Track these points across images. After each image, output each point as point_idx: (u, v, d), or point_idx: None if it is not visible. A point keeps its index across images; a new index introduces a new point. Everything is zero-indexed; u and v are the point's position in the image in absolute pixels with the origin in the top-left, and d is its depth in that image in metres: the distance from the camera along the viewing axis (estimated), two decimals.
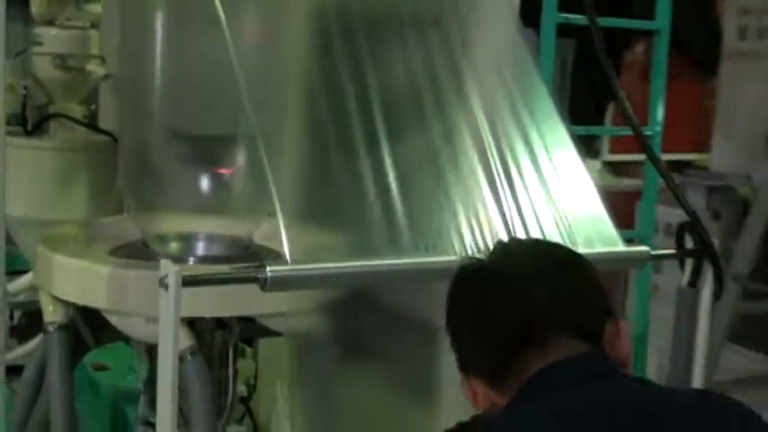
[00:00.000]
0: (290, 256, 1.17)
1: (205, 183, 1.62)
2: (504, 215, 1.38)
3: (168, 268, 1.04)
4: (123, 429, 2.06)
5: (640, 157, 2.41)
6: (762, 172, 2.99)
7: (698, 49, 2.94)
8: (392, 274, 1.33)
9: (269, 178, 1.23)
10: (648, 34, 2.34)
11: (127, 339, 1.66)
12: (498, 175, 1.43)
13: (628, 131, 1.70)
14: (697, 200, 2.92)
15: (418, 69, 1.48)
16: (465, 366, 1.08)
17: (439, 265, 1.29)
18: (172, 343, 1.05)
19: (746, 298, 2.89)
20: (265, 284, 1.13)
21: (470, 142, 1.46)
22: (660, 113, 2.18)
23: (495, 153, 1.45)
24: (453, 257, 1.28)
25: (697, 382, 1.49)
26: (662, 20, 2.19)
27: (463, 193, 1.39)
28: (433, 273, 1.31)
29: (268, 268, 1.14)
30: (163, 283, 1.04)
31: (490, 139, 1.46)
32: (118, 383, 2.13)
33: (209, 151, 1.64)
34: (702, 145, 3.29)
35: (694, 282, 1.46)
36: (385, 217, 1.30)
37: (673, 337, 1.53)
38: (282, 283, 1.17)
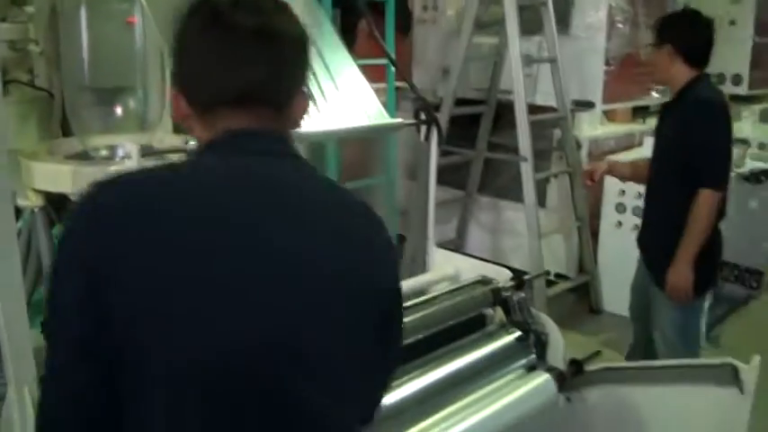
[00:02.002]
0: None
1: (116, 113, 2.60)
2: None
3: (131, 146, 1.95)
4: None
5: None
6: (442, 87, 4.73)
7: (401, 19, 4.27)
8: None
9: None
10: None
11: None
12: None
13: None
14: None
15: None
16: (173, 80, 1.11)
17: None
18: None
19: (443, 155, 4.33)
20: None
21: None
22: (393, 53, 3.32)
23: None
24: None
25: (431, 201, 2.54)
26: None
27: None
28: None
29: None
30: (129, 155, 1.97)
31: None
32: None
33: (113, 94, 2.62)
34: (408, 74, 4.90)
35: (427, 138, 2.49)
36: None
37: (420, 175, 2.56)
38: None
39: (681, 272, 2.66)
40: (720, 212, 2.77)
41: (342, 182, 3.56)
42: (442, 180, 4.87)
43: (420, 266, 2.63)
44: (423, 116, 2.48)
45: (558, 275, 4.70)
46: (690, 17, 2.84)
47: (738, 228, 4.78)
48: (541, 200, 4.56)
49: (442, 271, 2.49)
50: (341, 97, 2.36)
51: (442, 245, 3.74)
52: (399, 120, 2.50)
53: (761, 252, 4.91)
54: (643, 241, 3.04)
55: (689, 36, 2.74)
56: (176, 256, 0.95)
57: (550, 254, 4.65)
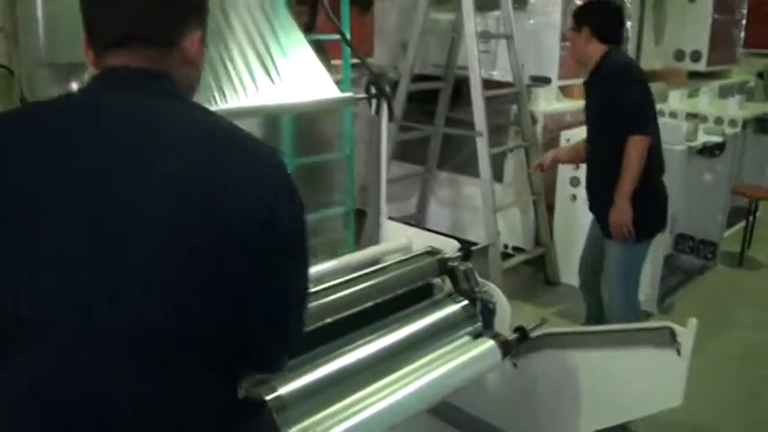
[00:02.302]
0: None
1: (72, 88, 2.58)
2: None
3: None
4: None
5: None
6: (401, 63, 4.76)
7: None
8: None
9: None
10: None
11: None
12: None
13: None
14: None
15: None
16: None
17: None
18: None
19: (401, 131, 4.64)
20: None
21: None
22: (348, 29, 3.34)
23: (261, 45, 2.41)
24: None
25: (383, 175, 2.56)
26: None
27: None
28: None
29: None
30: None
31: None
32: None
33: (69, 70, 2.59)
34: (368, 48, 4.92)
35: (377, 112, 2.52)
36: None
37: (372, 149, 2.59)
38: None
39: (620, 209, 3.06)
40: (659, 167, 3.24)
41: (299, 156, 3.59)
42: (402, 156, 4.98)
43: (375, 239, 2.67)
44: (373, 90, 2.51)
45: (516, 248, 4.77)
46: (603, 3, 3.28)
47: (693, 200, 4.91)
48: (498, 174, 4.63)
49: (394, 243, 2.53)
50: (292, 73, 2.38)
51: (403, 219, 3.80)
52: (348, 94, 2.52)
53: (715, 224, 5.04)
54: (591, 202, 3.37)
55: (602, 19, 3.17)
56: (7, 195, 0.98)
57: (507, 227, 4.72)
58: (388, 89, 2.51)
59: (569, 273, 4.40)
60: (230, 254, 1.03)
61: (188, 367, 1.04)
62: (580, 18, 3.22)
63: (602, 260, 3.29)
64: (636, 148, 3.01)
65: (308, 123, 4.03)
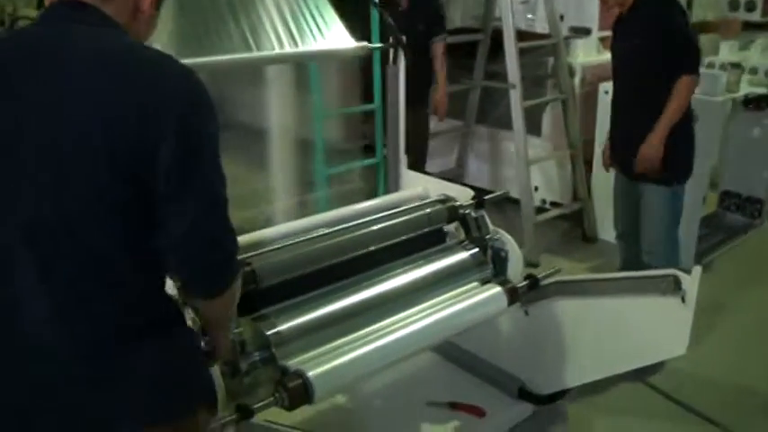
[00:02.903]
0: None
1: None
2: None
3: None
4: None
5: None
6: None
7: None
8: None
9: None
10: None
11: None
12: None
13: None
14: None
15: None
16: None
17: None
18: None
19: None
20: None
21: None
22: None
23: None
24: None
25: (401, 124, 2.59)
26: None
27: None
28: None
29: None
30: None
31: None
32: None
33: None
34: None
35: (395, 61, 2.53)
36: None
37: (389, 98, 2.61)
38: None
39: (653, 145, 2.96)
40: (694, 114, 3.13)
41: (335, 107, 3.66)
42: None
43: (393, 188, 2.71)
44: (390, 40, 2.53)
45: (553, 203, 4.74)
46: None
47: (740, 156, 4.77)
48: (536, 128, 4.58)
49: (409, 191, 2.56)
50: (314, 27, 2.44)
51: (443, 175, 3.81)
52: (363, 43, 2.54)
53: (762, 181, 4.89)
54: (620, 148, 3.23)
55: None
56: None
57: (545, 182, 4.69)
58: (403, 38, 2.53)
59: (607, 229, 4.35)
60: (136, 161, 1.11)
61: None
62: None
63: (638, 215, 3.21)
64: (687, 89, 2.91)
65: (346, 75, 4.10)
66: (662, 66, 2.94)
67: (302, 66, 3.53)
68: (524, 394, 2.48)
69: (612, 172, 3.42)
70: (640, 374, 2.83)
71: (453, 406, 2.46)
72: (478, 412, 2.44)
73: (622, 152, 3.21)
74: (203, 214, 1.16)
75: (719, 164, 4.79)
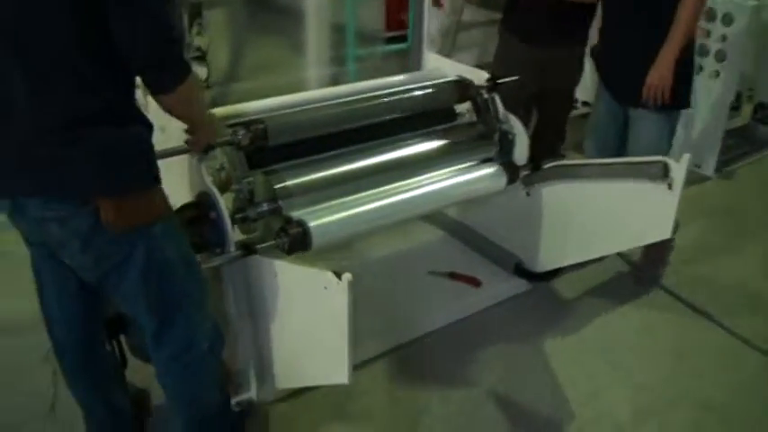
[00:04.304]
0: None
1: None
2: None
3: None
4: None
5: None
6: None
7: None
8: None
9: None
10: None
11: None
12: None
13: None
14: None
15: None
16: None
17: None
18: None
19: None
20: None
21: None
22: None
23: None
24: None
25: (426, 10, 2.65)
26: None
27: None
28: None
29: None
30: None
31: None
32: None
33: None
34: None
35: None
36: None
37: None
38: None
39: (663, 73, 2.60)
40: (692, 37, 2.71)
41: None
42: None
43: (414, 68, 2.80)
44: None
45: (585, 103, 4.75)
46: None
47: None
48: None
49: (427, 71, 2.65)
50: None
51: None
52: None
53: None
54: (614, 67, 2.81)
55: None
56: None
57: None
58: None
59: None
60: None
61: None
62: None
63: (622, 140, 2.80)
64: (695, 6, 2.55)
65: None
66: None
67: None
68: (520, 271, 2.65)
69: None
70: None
71: (452, 276, 2.65)
72: (475, 282, 2.62)
73: (615, 72, 2.81)
74: (148, 19, 1.36)
75: (756, 74, 4.72)
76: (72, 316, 1.68)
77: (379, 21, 5.08)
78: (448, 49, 4.73)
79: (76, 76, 1.36)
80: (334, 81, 3.88)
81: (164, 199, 1.54)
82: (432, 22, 4.86)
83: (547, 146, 2.97)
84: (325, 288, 1.52)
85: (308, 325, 1.75)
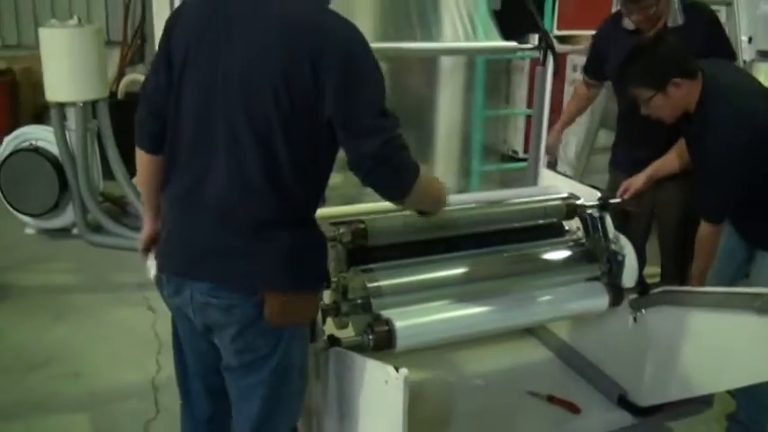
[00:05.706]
0: None
1: None
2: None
3: None
4: None
5: None
6: None
7: None
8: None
9: None
10: None
11: None
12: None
13: None
14: None
15: None
16: None
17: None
18: None
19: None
20: None
21: None
22: None
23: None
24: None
25: (544, 125, 2.70)
26: None
27: None
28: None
29: None
30: None
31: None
32: None
33: None
34: None
35: (543, 62, 2.64)
36: None
37: (535, 99, 2.72)
38: None
39: None
40: None
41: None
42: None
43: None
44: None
45: None
46: (649, 49, 2.41)
47: None
48: None
49: (539, 187, 2.66)
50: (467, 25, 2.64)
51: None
52: (512, 43, 2.67)
53: None
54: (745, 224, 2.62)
55: (668, 61, 2.36)
56: (189, 31, 1.57)
57: None
58: (555, 43, 2.63)
59: None
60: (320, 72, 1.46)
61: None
62: (652, 82, 2.34)
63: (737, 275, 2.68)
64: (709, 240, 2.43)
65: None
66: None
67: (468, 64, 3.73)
68: (623, 402, 2.49)
69: None
70: None
71: (551, 399, 2.53)
72: (574, 409, 2.49)
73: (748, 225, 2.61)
74: (367, 137, 1.49)
75: None
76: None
77: (515, 141, 5.17)
78: (580, 171, 4.73)
79: (283, 188, 1.50)
80: (457, 191, 3.96)
81: (318, 305, 1.66)
82: (569, 147, 4.94)
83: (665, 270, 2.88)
84: (386, 382, 1.52)
85: (369, 422, 1.74)
